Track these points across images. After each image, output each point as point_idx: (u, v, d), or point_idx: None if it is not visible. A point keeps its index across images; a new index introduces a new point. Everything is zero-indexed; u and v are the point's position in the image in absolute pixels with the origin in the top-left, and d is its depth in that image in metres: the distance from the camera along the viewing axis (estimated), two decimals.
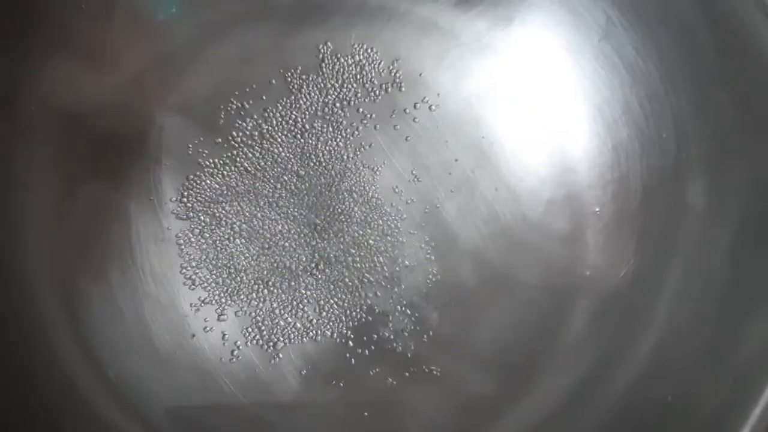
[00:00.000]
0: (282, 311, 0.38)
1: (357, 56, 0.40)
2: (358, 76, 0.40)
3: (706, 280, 0.35)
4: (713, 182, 0.35)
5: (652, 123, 0.38)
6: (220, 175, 0.39)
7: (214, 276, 0.38)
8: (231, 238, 0.39)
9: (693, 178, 0.36)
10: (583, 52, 0.39)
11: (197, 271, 0.38)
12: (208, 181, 0.39)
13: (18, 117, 0.37)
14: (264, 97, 0.40)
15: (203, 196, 0.39)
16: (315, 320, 0.38)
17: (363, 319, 0.38)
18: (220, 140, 0.39)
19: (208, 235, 0.39)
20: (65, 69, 0.37)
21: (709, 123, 0.36)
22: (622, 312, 0.37)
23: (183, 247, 0.38)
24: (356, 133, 0.40)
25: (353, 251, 0.39)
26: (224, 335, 0.38)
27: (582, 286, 0.38)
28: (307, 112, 0.40)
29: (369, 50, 0.40)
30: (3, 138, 0.37)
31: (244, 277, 0.38)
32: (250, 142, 0.39)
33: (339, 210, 0.39)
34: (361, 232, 0.39)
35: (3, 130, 0.37)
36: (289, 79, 0.40)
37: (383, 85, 0.40)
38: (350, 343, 0.38)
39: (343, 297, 0.38)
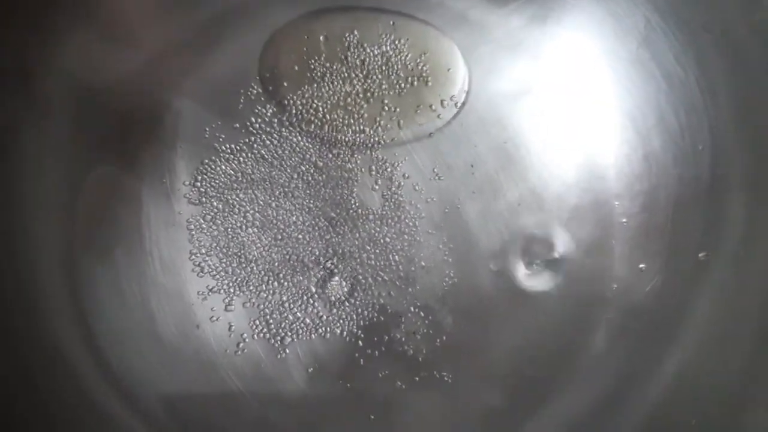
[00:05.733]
0: (291, 305, 0.37)
1: (384, 47, 0.39)
2: (384, 68, 0.39)
3: (741, 301, 0.33)
4: (752, 199, 0.34)
5: (688, 134, 0.36)
6: (236, 161, 0.38)
7: (223, 264, 0.37)
8: (243, 226, 0.37)
9: (730, 194, 0.34)
10: (619, 57, 0.38)
11: (207, 258, 0.37)
12: (223, 167, 0.38)
13: (34, 90, 0.36)
14: (285, 84, 0.38)
15: (217, 181, 0.38)
16: (325, 316, 0.37)
17: (374, 319, 0.37)
18: (237, 125, 0.38)
19: (219, 222, 0.37)
20: (82, 41, 0.36)
21: (751, 138, 0.34)
22: (647, 328, 0.35)
23: (193, 233, 0.37)
24: (378, 126, 0.38)
25: (368, 248, 0.37)
26: (231, 326, 0.37)
27: (605, 298, 0.36)
28: (328, 102, 0.38)
29: (397, 41, 0.39)
30: (18, 112, 0.35)
31: (255, 268, 0.37)
32: (268, 129, 0.38)
33: (356, 204, 0.38)
34: (377, 229, 0.38)
35: (18, 104, 0.35)
36: (313, 67, 0.39)
37: (409, 79, 0.39)
38: (360, 342, 0.36)
39: (356, 294, 0.37)
